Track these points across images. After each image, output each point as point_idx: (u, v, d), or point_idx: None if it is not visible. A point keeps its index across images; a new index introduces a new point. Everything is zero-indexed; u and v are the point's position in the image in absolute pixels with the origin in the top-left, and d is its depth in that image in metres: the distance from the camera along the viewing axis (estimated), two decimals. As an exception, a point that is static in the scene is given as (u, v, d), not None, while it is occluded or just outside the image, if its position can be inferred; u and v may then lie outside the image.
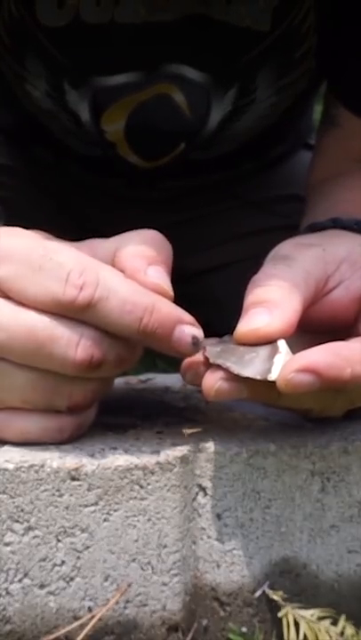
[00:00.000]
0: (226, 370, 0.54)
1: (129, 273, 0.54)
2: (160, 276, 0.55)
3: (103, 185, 1.03)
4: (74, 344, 0.52)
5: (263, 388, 0.54)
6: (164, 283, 0.55)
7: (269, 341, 0.55)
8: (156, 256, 0.56)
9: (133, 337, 0.53)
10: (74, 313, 0.52)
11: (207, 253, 1.08)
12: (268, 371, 0.53)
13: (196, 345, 0.54)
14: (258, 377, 0.53)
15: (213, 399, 0.55)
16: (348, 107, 0.87)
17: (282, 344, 0.55)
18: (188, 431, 0.60)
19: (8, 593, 0.55)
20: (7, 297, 0.53)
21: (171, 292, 0.55)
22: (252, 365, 0.54)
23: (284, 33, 0.83)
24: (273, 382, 0.53)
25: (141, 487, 0.55)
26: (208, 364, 0.55)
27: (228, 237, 1.08)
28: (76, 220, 1.06)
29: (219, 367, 0.54)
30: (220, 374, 0.54)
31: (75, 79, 0.85)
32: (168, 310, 0.54)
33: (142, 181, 1.00)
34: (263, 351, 0.55)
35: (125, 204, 1.03)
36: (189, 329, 0.54)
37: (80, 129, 0.90)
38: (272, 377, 0.53)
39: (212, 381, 0.54)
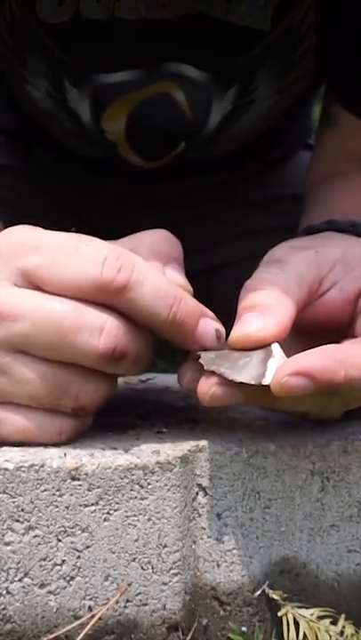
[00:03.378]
0: (220, 376, 0.54)
1: None
2: (178, 274, 0.57)
3: (104, 185, 1.03)
4: (97, 332, 0.53)
5: (258, 393, 0.54)
6: (184, 280, 0.57)
7: (263, 345, 0.55)
8: (170, 255, 0.57)
9: (160, 326, 0.54)
10: (109, 295, 0.53)
11: (207, 253, 1.08)
12: (262, 375, 0.53)
13: (219, 338, 0.56)
14: (252, 382, 0.53)
15: (208, 404, 0.55)
16: (346, 106, 0.87)
17: (276, 348, 0.55)
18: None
19: (8, 592, 0.55)
20: (36, 287, 0.53)
21: (191, 289, 0.57)
22: (245, 370, 0.54)
23: (284, 32, 0.83)
24: (267, 386, 0.53)
25: (141, 487, 0.56)
26: (203, 371, 0.55)
27: (227, 237, 1.08)
28: (76, 219, 1.06)
29: (213, 373, 0.54)
30: (214, 380, 0.54)
31: (75, 77, 0.85)
32: (194, 303, 0.55)
33: (143, 182, 1.00)
34: (257, 356, 0.55)
35: (126, 203, 1.03)
36: (213, 323, 0.56)
37: (81, 129, 0.90)
38: (266, 381, 0.53)
39: (207, 387, 0.54)
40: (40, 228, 0.56)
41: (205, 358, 0.55)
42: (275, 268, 0.58)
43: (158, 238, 0.58)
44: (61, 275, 0.53)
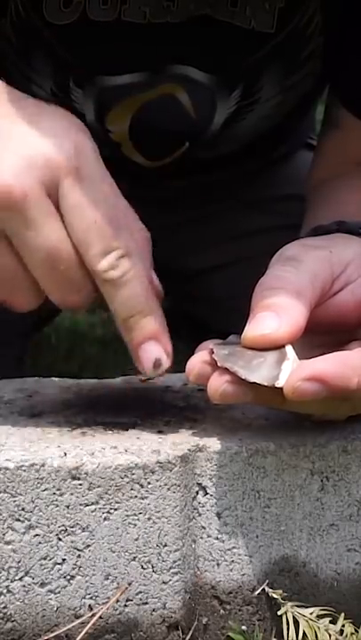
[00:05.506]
0: (233, 374, 0.54)
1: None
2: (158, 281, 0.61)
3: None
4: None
5: (268, 394, 0.54)
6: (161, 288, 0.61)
7: (277, 346, 0.55)
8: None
9: (118, 320, 0.58)
10: (94, 276, 0.57)
11: (207, 253, 1.08)
12: (276, 377, 0.53)
13: (156, 367, 0.58)
14: (265, 383, 0.53)
15: (218, 402, 0.55)
16: (348, 108, 0.87)
17: (289, 350, 0.55)
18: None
19: (9, 591, 0.55)
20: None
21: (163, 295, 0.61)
22: (259, 371, 0.54)
23: (289, 35, 0.83)
24: (279, 388, 0.53)
25: (142, 486, 0.56)
26: (215, 366, 0.55)
27: (228, 237, 1.08)
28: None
29: (226, 370, 0.54)
30: (226, 377, 0.54)
31: (80, 78, 0.86)
32: (156, 323, 0.58)
33: (145, 181, 1.00)
34: (271, 357, 0.55)
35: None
36: (156, 350, 0.58)
37: None
38: (279, 384, 0.53)
39: (218, 384, 0.54)
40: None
41: (219, 354, 0.55)
42: (290, 267, 0.58)
43: (147, 239, 0.60)
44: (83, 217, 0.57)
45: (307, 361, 0.54)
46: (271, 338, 0.55)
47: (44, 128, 0.58)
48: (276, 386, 0.53)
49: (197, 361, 0.57)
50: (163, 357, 0.58)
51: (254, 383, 0.54)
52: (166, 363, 0.58)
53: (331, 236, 0.65)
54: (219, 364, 0.55)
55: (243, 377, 0.54)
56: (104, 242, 0.56)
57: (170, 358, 0.59)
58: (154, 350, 0.58)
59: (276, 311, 0.55)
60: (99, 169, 0.58)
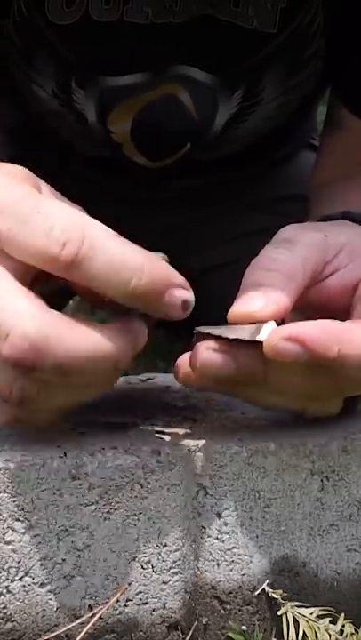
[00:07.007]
0: (214, 338, 0.54)
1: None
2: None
3: (106, 185, 1.04)
4: (2, 337, 0.49)
5: (251, 363, 0.54)
6: None
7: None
8: None
9: (122, 300, 0.51)
10: (58, 270, 0.50)
11: (208, 253, 1.09)
12: (257, 333, 0.54)
13: (185, 310, 0.52)
14: (246, 338, 0.53)
15: (200, 375, 0.55)
16: (350, 109, 0.87)
17: (272, 322, 0.55)
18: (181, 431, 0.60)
19: (9, 591, 0.55)
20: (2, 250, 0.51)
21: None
22: (241, 331, 0.54)
23: (291, 35, 0.83)
24: (261, 356, 0.53)
25: (142, 486, 0.56)
26: (200, 338, 0.55)
27: (229, 237, 1.08)
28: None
29: (207, 335, 0.54)
30: (207, 344, 0.54)
31: (82, 78, 0.86)
32: (159, 272, 0.51)
33: (147, 182, 1.00)
34: (253, 326, 0.55)
35: (128, 204, 1.03)
36: (180, 293, 0.52)
37: (87, 129, 0.91)
38: (260, 338, 0.53)
39: (200, 351, 0.54)
40: (14, 182, 0.53)
41: (202, 328, 0.56)
42: (283, 249, 0.59)
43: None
44: (15, 245, 0.50)
45: (289, 324, 0.54)
46: (256, 316, 0.55)
47: None
48: (257, 339, 0.53)
49: (183, 362, 0.57)
50: (187, 297, 0.52)
51: (236, 341, 0.53)
52: (192, 298, 0.52)
53: (329, 222, 0.65)
54: (200, 331, 0.55)
55: (224, 336, 0.54)
56: None
57: (190, 290, 0.53)
58: (174, 296, 0.52)
59: (265, 291, 0.56)
60: None
